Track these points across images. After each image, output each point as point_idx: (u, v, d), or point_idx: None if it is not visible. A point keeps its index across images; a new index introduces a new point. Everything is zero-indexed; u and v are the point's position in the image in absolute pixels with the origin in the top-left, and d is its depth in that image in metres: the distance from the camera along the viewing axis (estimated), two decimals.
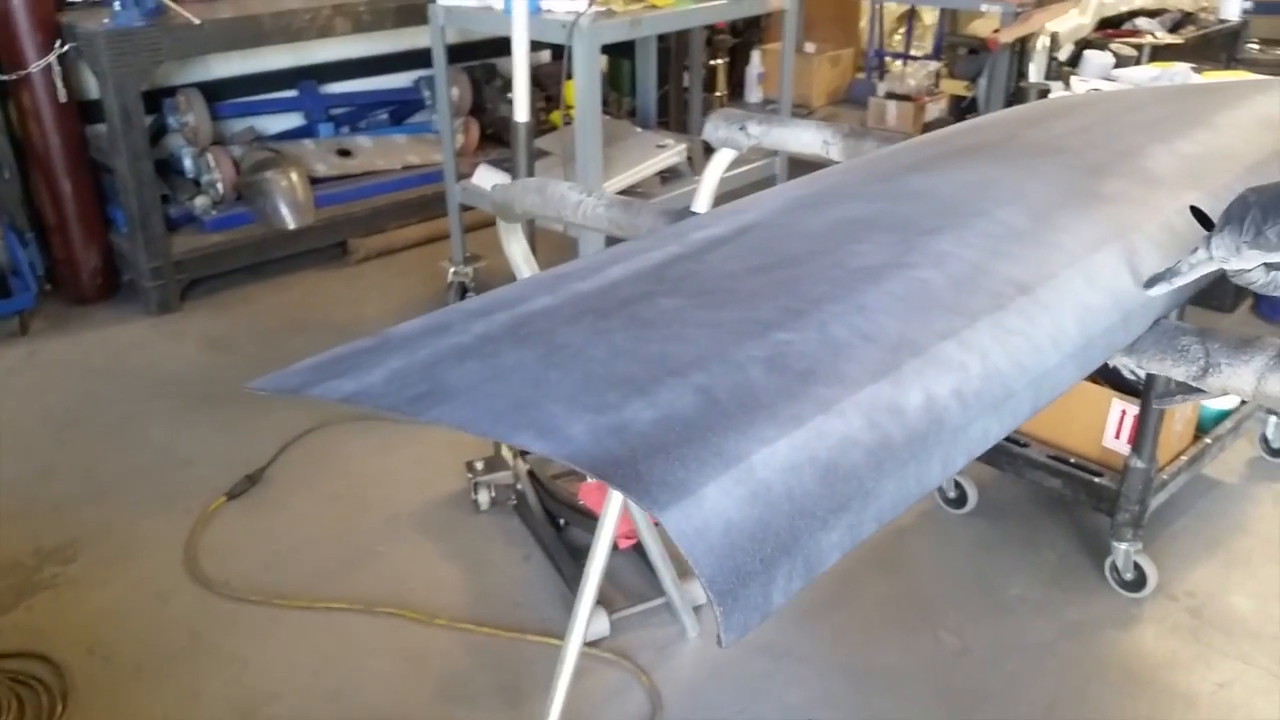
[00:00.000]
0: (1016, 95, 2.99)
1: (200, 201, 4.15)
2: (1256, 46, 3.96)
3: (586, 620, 2.05)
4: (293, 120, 4.77)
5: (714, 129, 1.88)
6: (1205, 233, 1.19)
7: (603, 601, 2.39)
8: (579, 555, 2.55)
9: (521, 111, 2.69)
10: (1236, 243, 0.96)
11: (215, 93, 4.39)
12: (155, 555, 2.64)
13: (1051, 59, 3.10)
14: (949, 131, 1.62)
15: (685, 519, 0.67)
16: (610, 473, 0.70)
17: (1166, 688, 2.26)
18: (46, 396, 3.42)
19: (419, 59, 4.77)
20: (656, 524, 2.32)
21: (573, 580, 2.47)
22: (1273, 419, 2.96)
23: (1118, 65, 2.69)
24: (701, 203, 1.91)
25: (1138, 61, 3.06)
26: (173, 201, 4.16)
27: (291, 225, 4.18)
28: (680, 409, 0.77)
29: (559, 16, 3.13)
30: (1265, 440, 3.02)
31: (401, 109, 5.06)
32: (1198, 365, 1.04)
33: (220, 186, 4.16)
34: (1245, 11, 3.96)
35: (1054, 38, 3.04)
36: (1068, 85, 2.56)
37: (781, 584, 0.69)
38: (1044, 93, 2.54)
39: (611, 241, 3.21)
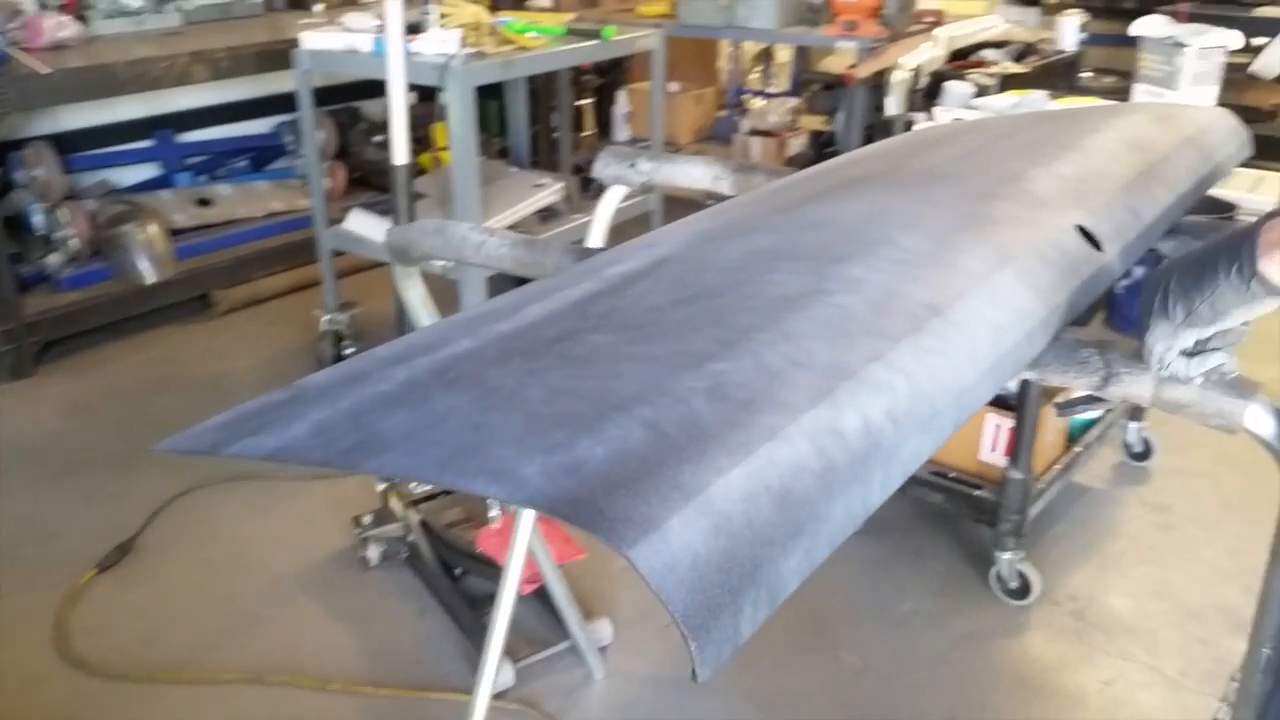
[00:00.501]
0: (882, 127, 3.11)
1: (53, 259, 3.93)
2: (1090, 75, 4.23)
3: (495, 671, 2.00)
4: (149, 171, 4.58)
5: (604, 166, 1.90)
6: (1094, 250, 1.26)
7: (506, 650, 2.35)
8: (477, 605, 2.50)
9: (400, 154, 2.66)
10: (1172, 329, 1.01)
11: (67, 145, 4.17)
12: (21, 637, 2.46)
13: (914, 91, 3.24)
14: (835, 164, 1.67)
15: (654, 554, 0.66)
16: (573, 513, 0.69)
17: (1057, 689, 2.35)
18: None
19: (280, 104, 4.66)
20: (562, 566, 2.30)
21: (473, 631, 2.41)
22: (1133, 425, 3.13)
23: (978, 95, 2.84)
24: (596, 239, 1.92)
25: (993, 90, 3.23)
26: (24, 260, 3.93)
27: (151, 279, 4.00)
28: (631, 444, 0.76)
29: (430, 59, 3.11)
30: (1128, 446, 3.19)
31: (262, 155, 4.92)
32: (1099, 375, 1.10)
33: (74, 243, 3.95)
34: (1080, 42, 4.24)
35: (917, 70, 3.19)
36: (931, 115, 2.69)
37: (749, 613, 0.69)
38: (909, 124, 2.65)
39: (496, 283, 3.20)
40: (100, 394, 3.66)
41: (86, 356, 3.93)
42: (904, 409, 0.88)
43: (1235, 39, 2.66)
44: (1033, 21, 4.63)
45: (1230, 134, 1.75)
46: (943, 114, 2.69)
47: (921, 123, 2.70)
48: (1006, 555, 2.57)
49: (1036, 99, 2.56)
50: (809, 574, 0.76)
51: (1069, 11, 4.25)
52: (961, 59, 3.97)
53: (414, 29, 3.22)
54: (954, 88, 2.82)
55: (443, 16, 3.18)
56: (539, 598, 2.43)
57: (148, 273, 4.00)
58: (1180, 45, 2.57)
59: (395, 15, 2.47)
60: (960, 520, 2.84)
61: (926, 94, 2.93)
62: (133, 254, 3.96)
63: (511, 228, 3.46)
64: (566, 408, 0.82)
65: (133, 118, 4.42)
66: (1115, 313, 3.96)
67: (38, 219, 3.99)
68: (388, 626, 2.53)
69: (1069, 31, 4.12)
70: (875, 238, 1.15)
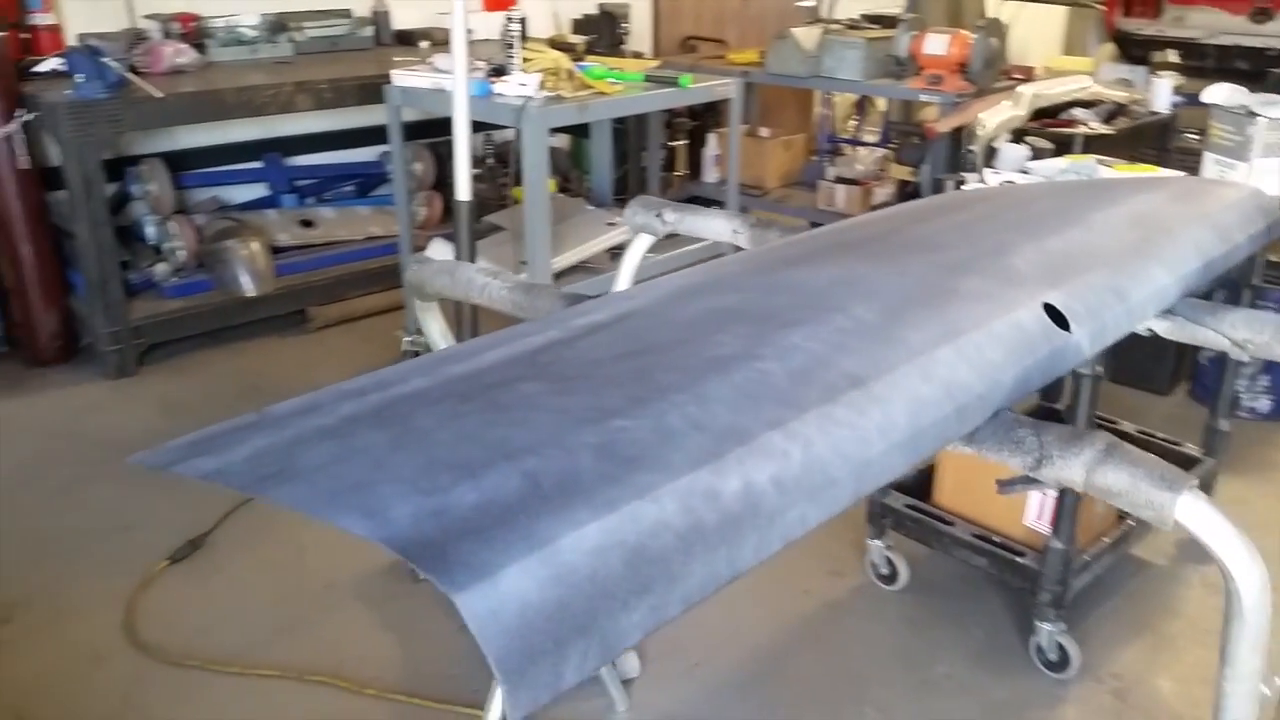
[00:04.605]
0: (935, 185, 3.09)
1: (161, 268, 4.21)
2: (1196, 136, 4.10)
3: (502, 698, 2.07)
4: (257, 191, 4.86)
5: (632, 214, 1.97)
6: (1060, 329, 1.27)
7: None
8: None
9: (463, 191, 2.78)
10: None
11: (181, 162, 4.48)
12: (92, 618, 2.64)
13: (988, 148, 3.22)
14: (845, 224, 1.70)
15: (480, 599, 0.71)
16: (419, 554, 0.74)
17: None
18: None
19: (385, 134, 4.88)
20: None
21: None
22: None
23: (1034, 158, 2.81)
24: (622, 284, 1.99)
25: (1063, 152, 3.19)
26: (134, 267, 4.22)
27: (251, 292, 4.24)
28: (503, 493, 0.81)
29: (510, 100, 3.24)
30: None
31: (367, 182, 5.16)
32: (1033, 456, 1.11)
33: (181, 254, 4.23)
34: (1175, 104, 4.13)
35: (988, 128, 3.17)
36: (981, 177, 2.68)
37: (575, 662, 0.74)
38: (960, 183, 2.65)
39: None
40: (195, 396, 3.89)
41: (186, 361, 4.18)
42: (794, 476, 0.92)
43: None
44: (1140, 81, 4.52)
45: (1257, 213, 1.72)
46: (992, 176, 2.67)
47: (971, 183, 2.69)
48: (1046, 626, 2.51)
49: (1087, 165, 2.53)
50: (656, 628, 0.80)
51: (1162, 73, 4.15)
52: (1050, 117, 3.92)
53: (499, 71, 3.37)
54: (1008, 150, 2.80)
55: (525, 60, 3.31)
56: None
57: (248, 286, 4.23)
58: (1252, 115, 2.50)
59: (460, 57, 2.60)
60: (1007, 586, 2.79)
61: (989, 153, 2.91)
62: (235, 268, 4.20)
63: (582, 264, 3.57)
64: (465, 453, 0.88)
65: (245, 140, 4.71)
66: (1198, 383, 3.85)
67: (149, 230, 4.28)
68: (427, 639, 2.62)
69: (1162, 93, 4.02)
70: (831, 305, 1.19)
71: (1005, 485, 1.14)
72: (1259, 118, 2.48)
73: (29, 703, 2.35)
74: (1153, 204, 1.65)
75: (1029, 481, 1.12)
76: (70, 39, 4.09)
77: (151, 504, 3.15)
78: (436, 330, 1.77)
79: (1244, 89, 2.61)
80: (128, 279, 4.06)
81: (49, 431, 3.62)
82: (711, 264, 1.46)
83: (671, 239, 2.06)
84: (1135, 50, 5.92)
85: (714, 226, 1.88)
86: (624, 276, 2.00)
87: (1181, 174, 2.53)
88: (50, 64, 3.90)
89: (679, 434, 0.92)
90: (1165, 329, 1.50)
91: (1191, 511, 1.03)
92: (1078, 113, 3.92)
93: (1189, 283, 1.50)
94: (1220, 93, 2.60)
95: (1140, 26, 5.73)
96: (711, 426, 0.93)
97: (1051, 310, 1.27)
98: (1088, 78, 4.11)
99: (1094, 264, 1.40)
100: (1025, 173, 2.64)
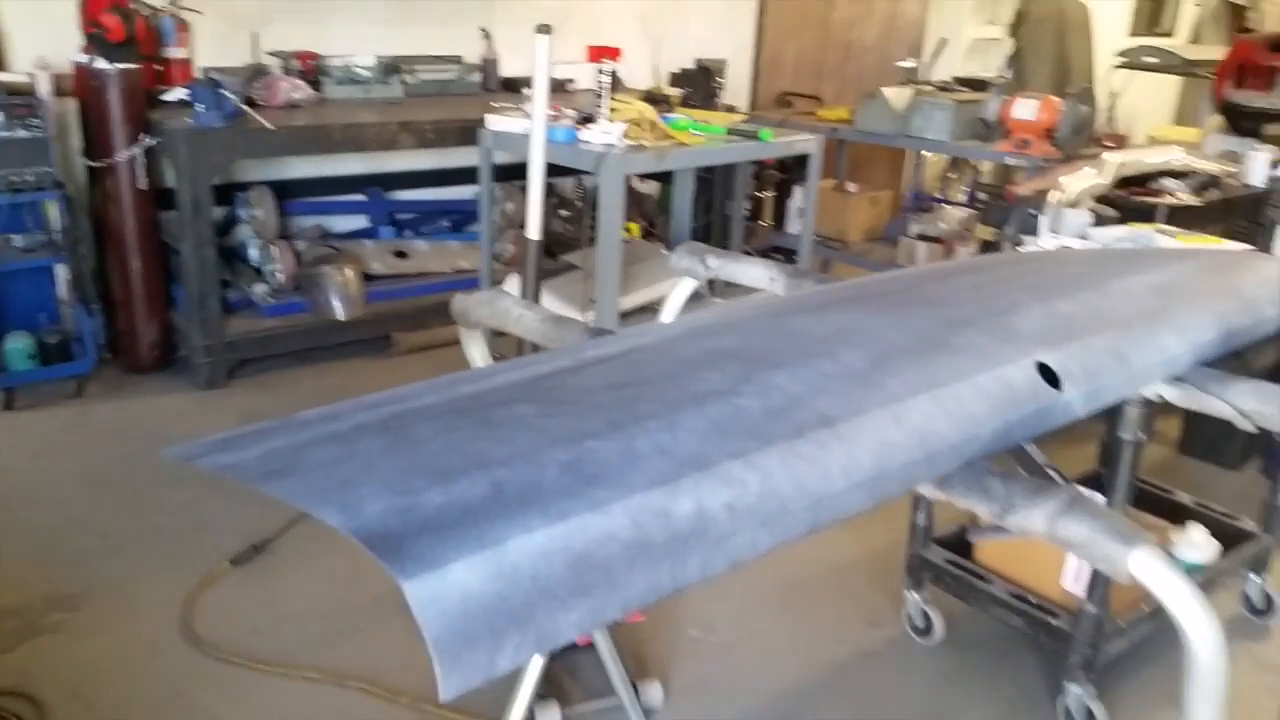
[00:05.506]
0: (989, 247, 3.10)
1: (259, 288, 4.44)
2: None
3: (523, 713, 2.14)
4: (359, 221, 5.09)
5: (679, 259, 2.06)
6: (1051, 388, 1.31)
7: (560, 696, 2.47)
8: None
9: (533, 230, 2.91)
10: None
11: (289, 191, 4.73)
12: (153, 612, 2.79)
13: (1059, 213, 3.21)
14: (873, 278, 1.76)
15: (424, 586, 0.79)
16: (379, 546, 0.83)
17: None
18: (88, 454, 3.66)
19: None
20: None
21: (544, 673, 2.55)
22: (1254, 577, 2.95)
23: (1097, 224, 2.81)
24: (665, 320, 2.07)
25: (1148, 220, 3.16)
26: (234, 286, 4.46)
27: (341, 317, 4.44)
28: (468, 498, 0.89)
29: (592, 147, 3.37)
30: (1248, 598, 3.00)
31: (463, 218, 5.36)
32: (999, 504, 1.15)
33: (279, 276, 4.46)
34: (1273, 179, 4.04)
35: (1062, 192, 3.16)
36: (1038, 241, 2.69)
37: (510, 651, 0.81)
38: (1016, 244, 2.67)
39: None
40: (278, 410, 3.97)
41: (273, 377, 4.39)
42: (749, 504, 0.98)
43: None
44: (1247, 154, 4.43)
45: None
46: (1050, 240, 2.68)
47: (1029, 246, 2.71)
48: (1075, 688, 2.49)
49: (1143, 234, 2.52)
50: (594, 628, 0.87)
51: (1260, 146, 4.07)
52: (1139, 185, 3.89)
53: (587, 119, 3.51)
54: (1070, 215, 2.81)
55: (612, 110, 3.44)
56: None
57: (339, 310, 4.44)
58: None
59: (540, 104, 2.75)
60: (1042, 647, 2.76)
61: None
62: (328, 292, 4.42)
63: (650, 305, 3.66)
64: (446, 461, 0.97)
65: (353, 173, 4.95)
66: (1271, 459, 3.72)
67: (253, 252, 4.54)
68: None
69: (1258, 167, 3.95)
70: (822, 351, 1.25)
71: (976, 532, 1.17)
72: None
73: (86, 685, 2.50)
74: (1183, 274, 1.67)
75: (998, 529, 1.16)
76: (199, 72, 4.39)
77: (222, 508, 3.31)
78: (478, 355, 1.88)
79: None
80: (227, 297, 4.30)
81: (137, 434, 3.83)
82: (730, 306, 1.53)
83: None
84: (1245, 122, 5.77)
85: (752, 274, 1.96)
86: (666, 317, 2.08)
87: (1247, 248, 2.50)
88: (177, 94, 4.19)
89: (643, 457, 0.99)
90: (1175, 396, 1.51)
91: (1146, 567, 1.06)
92: (1168, 183, 3.89)
93: (1204, 351, 1.52)
94: None
95: (1251, 99, 5.60)
96: (676, 452, 1.00)
97: (1045, 369, 1.31)
98: (1180, 149, 4.07)
99: (1100, 327, 1.43)
100: (1084, 238, 2.64)
